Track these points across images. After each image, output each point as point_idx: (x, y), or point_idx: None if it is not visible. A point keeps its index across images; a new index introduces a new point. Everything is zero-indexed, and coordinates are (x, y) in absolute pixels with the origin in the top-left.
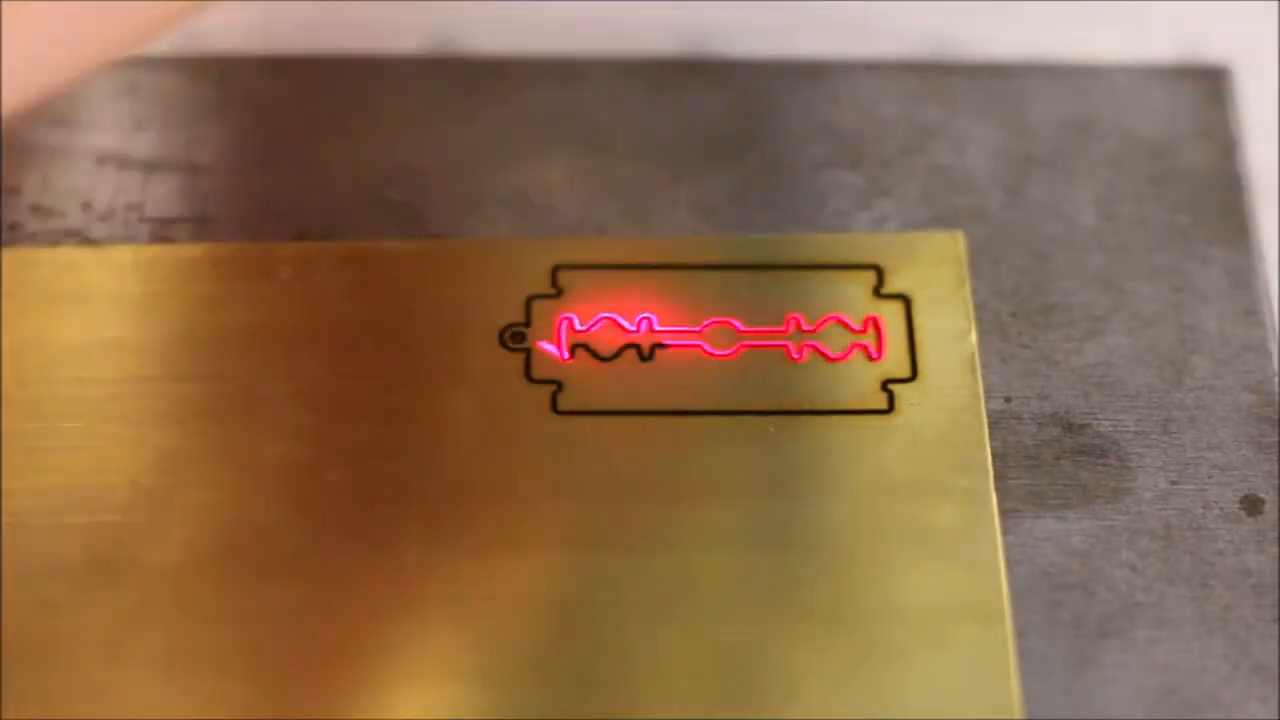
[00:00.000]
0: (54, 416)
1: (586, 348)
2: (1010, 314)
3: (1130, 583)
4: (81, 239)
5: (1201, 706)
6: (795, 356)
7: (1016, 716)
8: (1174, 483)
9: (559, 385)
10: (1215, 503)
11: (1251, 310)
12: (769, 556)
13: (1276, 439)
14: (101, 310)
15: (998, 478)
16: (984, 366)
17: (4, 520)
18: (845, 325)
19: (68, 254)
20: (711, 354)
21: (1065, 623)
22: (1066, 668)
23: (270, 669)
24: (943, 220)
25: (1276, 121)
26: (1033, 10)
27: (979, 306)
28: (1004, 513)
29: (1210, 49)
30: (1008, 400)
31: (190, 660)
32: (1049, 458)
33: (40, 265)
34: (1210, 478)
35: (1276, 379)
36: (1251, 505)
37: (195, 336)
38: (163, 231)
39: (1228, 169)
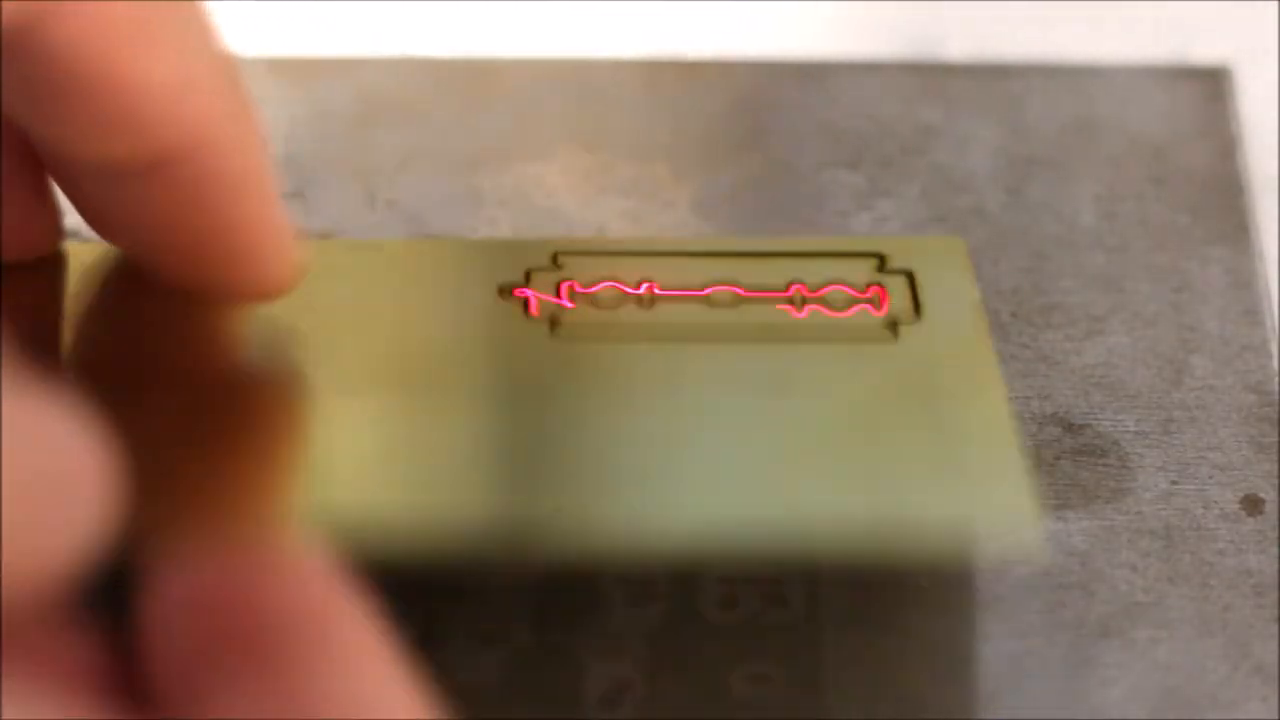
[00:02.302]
0: None
1: (587, 298)
2: (1010, 314)
3: (1130, 583)
4: (81, 238)
5: (1201, 706)
6: (797, 314)
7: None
8: (1174, 483)
9: (558, 319)
10: (1215, 503)
11: (1251, 310)
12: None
13: (1276, 439)
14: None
15: None
16: None
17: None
18: (849, 292)
19: (68, 253)
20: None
21: (1065, 623)
22: (1066, 668)
23: None
24: (943, 220)
25: (1276, 121)
26: (1032, 10)
27: None
28: None
29: (1210, 49)
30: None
31: None
32: (1049, 458)
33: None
34: (1210, 478)
35: (1276, 379)
36: (1251, 505)
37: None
38: None
39: (1228, 169)
